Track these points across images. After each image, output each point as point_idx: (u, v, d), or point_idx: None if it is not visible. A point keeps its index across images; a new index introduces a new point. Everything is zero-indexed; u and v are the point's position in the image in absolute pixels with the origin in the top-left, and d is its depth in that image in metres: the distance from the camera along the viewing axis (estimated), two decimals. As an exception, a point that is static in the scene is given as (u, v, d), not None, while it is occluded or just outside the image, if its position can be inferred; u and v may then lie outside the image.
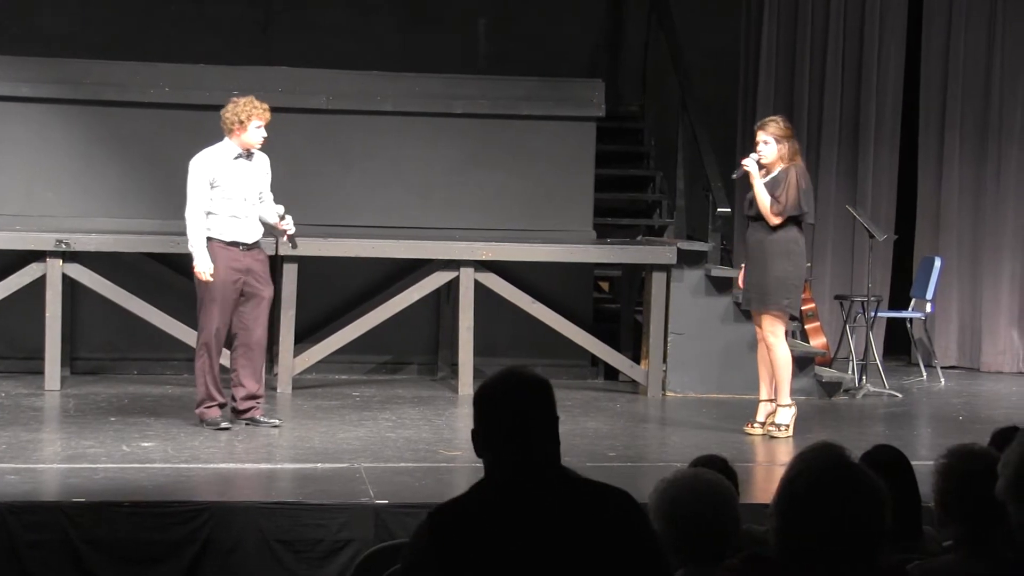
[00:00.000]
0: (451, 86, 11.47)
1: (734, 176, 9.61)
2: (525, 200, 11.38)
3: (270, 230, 9.10)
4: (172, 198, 10.74)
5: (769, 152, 9.04)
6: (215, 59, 11.30)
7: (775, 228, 9.00)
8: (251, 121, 8.73)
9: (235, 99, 8.82)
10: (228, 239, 8.75)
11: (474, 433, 3.52)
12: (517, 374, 3.54)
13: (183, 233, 10.28)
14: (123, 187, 10.95)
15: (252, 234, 8.86)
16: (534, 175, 11.38)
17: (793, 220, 9.00)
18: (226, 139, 8.81)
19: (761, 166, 9.08)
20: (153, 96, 10.96)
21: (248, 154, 8.82)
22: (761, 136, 9.08)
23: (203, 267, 8.69)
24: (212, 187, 8.73)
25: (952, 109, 12.98)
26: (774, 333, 9.09)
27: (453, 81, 11.56)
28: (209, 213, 8.74)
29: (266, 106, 8.82)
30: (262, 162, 8.93)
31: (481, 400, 3.53)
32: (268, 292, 8.91)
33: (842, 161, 13.06)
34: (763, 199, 9.00)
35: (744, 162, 9.16)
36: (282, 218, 9.02)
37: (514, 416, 3.46)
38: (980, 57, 12.96)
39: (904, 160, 13.20)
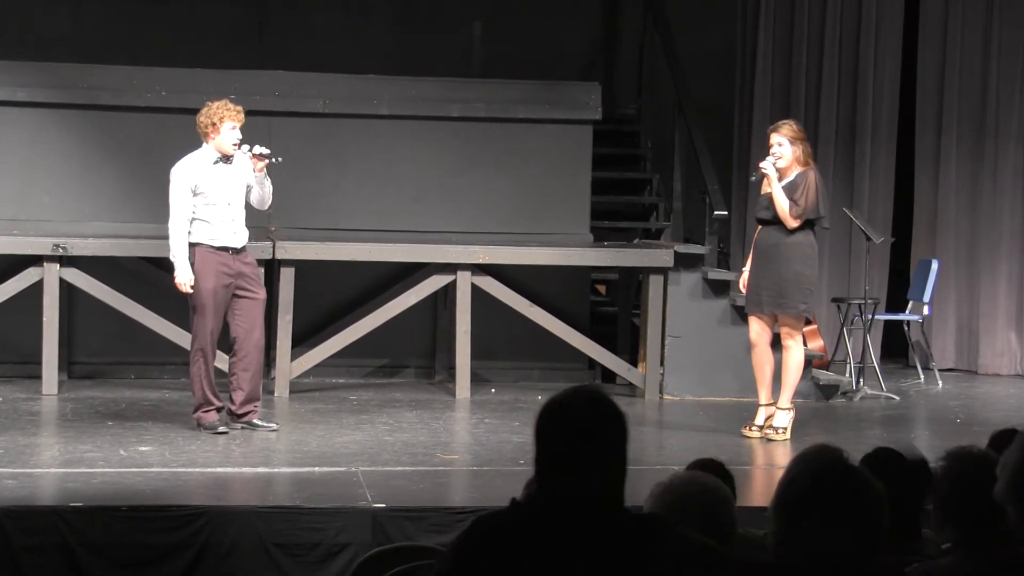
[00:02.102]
0: (447, 89, 11.47)
1: (752, 179, 9.60)
2: (522, 203, 11.37)
3: (259, 187, 8.88)
4: (169, 202, 10.76)
5: (785, 154, 9.02)
6: (211, 63, 11.30)
7: (792, 231, 8.99)
8: (224, 123, 8.68)
9: (209, 103, 8.78)
10: (217, 244, 8.72)
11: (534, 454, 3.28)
12: (582, 395, 3.25)
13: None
14: (120, 191, 10.94)
15: (239, 238, 8.82)
16: (530, 178, 11.37)
17: (807, 223, 9.00)
18: (204, 145, 8.79)
19: (776, 169, 9.06)
20: (149, 100, 10.96)
21: (227, 158, 8.78)
22: (775, 138, 9.07)
23: (183, 278, 8.69)
24: (195, 194, 8.70)
25: (948, 111, 12.99)
26: (792, 336, 9.10)
27: (449, 84, 11.55)
28: (195, 219, 8.71)
29: (240, 108, 8.75)
30: (243, 164, 8.86)
31: (539, 418, 3.25)
32: (262, 294, 8.90)
33: (839, 163, 13.07)
34: (781, 202, 8.97)
35: (762, 165, 9.15)
36: (252, 154, 8.72)
37: (570, 441, 3.19)
38: (976, 59, 12.97)
39: (901, 162, 13.20)
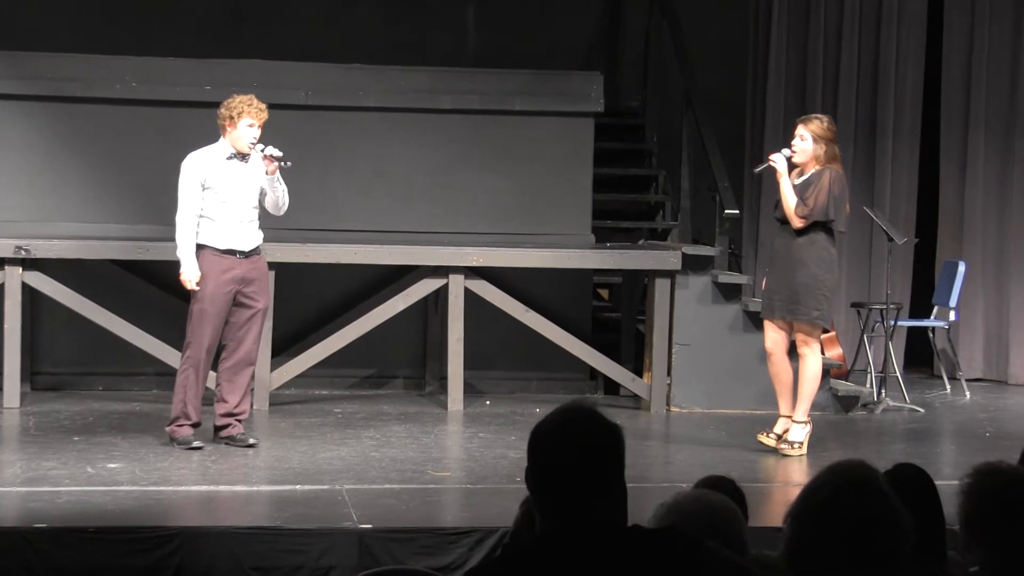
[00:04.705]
0: (438, 80, 11.47)
1: (756, 170, 9.59)
2: (518, 202, 11.37)
3: (271, 189, 8.90)
4: (140, 201, 10.77)
5: (804, 149, 9.00)
6: (186, 52, 11.29)
7: (804, 232, 8.97)
8: (242, 119, 8.70)
9: (235, 95, 8.81)
10: (223, 247, 8.72)
11: (526, 475, 3.31)
12: (577, 413, 3.30)
13: (152, 239, 10.30)
14: (87, 189, 10.93)
15: (249, 241, 8.82)
16: (528, 175, 11.37)
17: (823, 226, 8.98)
18: (221, 139, 8.80)
19: (794, 165, 9.05)
20: (119, 91, 10.94)
21: (242, 156, 8.79)
22: (800, 130, 9.05)
23: (189, 274, 8.66)
24: (204, 189, 8.70)
25: (976, 104, 12.99)
26: (808, 345, 9.09)
27: (441, 75, 11.55)
28: (202, 217, 8.71)
29: (263, 105, 8.77)
30: (259, 164, 8.85)
31: (533, 440, 3.29)
32: (263, 303, 8.89)
33: (859, 160, 13.07)
34: (788, 199, 8.97)
35: (772, 157, 9.13)
36: (264, 154, 8.72)
37: (569, 463, 3.23)
38: (1005, 49, 12.97)
39: (925, 159, 13.21)
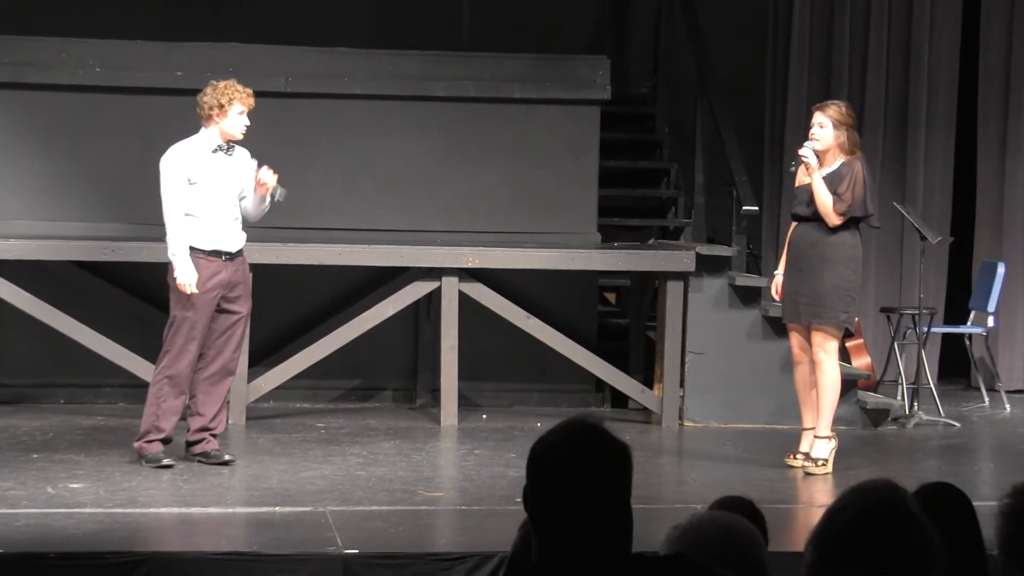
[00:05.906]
0: (430, 65, 11.48)
1: (792, 168, 9.63)
2: (518, 198, 11.38)
3: (257, 210, 8.93)
4: (105, 198, 10.78)
5: (824, 137, 9.03)
6: (155, 34, 11.30)
7: (834, 230, 9.00)
8: (232, 106, 8.70)
9: (213, 82, 8.80)
10: (209, 248, 8.71)
11: (524, 496, 3.32)
12: (581, 429, 3.31)
13: (119, 238, 10.30)
14: (47, 185, 10.93)
15: (235, 241, 8.83)
16: (528, 168, 11.38)
17: (853, 222, 9.02)
18: (203, 130, 8.79)
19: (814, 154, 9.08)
20: (82, 78, 10.95)
21: (228, 148, 8.80)
22: (818, 118, 9.09)
23: (186, 277, 8.60)
24: (189, 185, 8.68)
25: (1016, 91, 12.99)
26: (826, 350, 9.09)
27: (432, 59, 11.56)
28: (187, 216, 8.69)
29: (249, 91, 8.79)
30: (243, 157, 8.88)
31: (532, 458, 3.31)
32: (245, 309, 8.91)
33: (888, 152, 13.07)
34: (823, 196, 8.98)
35: (801, 152, 9.15)
36: (258, 174, 8.81)
37: (571, 483, 3.24)
38: (1048, 30, 13.00)
39: (961, 151, 13.21)
